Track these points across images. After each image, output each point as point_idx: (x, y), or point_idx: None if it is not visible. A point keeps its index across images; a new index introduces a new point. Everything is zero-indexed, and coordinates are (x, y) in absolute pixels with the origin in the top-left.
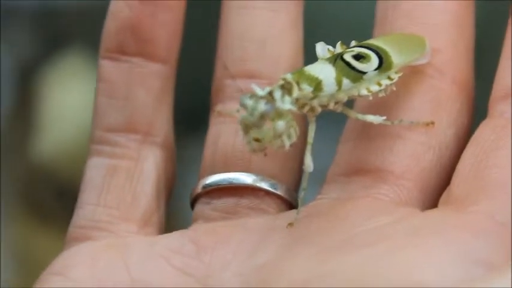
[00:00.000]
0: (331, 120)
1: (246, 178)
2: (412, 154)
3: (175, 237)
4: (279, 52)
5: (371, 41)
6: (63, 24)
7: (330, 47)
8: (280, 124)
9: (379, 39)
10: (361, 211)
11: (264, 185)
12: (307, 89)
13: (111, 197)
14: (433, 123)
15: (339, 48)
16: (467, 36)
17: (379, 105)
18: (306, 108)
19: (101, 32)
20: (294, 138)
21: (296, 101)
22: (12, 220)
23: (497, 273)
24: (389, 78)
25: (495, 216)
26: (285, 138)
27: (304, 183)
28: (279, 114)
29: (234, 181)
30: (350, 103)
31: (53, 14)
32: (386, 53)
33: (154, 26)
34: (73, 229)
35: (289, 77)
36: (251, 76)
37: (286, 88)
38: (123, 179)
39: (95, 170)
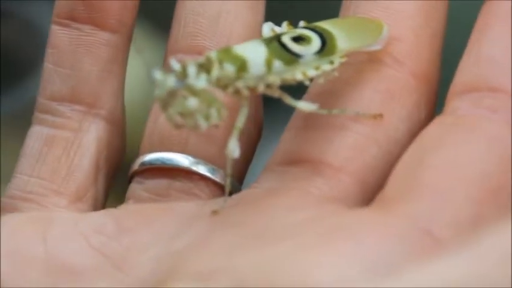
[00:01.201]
0: None
1: (182, 160)
2: (354, 147)
3: (99, 216)
4: (231, 29)
5: (320, 23)
6: None
7: (277, 28)
8: (192, 102)
9: (330, 22)
10: (283, 204)
11: (201, 169)
12: (229, 68)
13: (45, 169)
14: (381, 115)
15: (284, 29)
16: (434, 26)
17: (328, 92)
18: (230, 90)
19: (166, 9)
20: (216, 120)
21: (218, 80)
22: None
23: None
24: (331, 63)
25: (418, 221)
26: (199, 117)
27: (228, 169)
28: (194, 92)
29: (167, 162)
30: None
31: None
32: (331, 36)
33: None
34: (4, 199)
35: (213, 54)
36: (201, 52)
37: (205, 66)
38: (61, 150)
39: (34, 139)
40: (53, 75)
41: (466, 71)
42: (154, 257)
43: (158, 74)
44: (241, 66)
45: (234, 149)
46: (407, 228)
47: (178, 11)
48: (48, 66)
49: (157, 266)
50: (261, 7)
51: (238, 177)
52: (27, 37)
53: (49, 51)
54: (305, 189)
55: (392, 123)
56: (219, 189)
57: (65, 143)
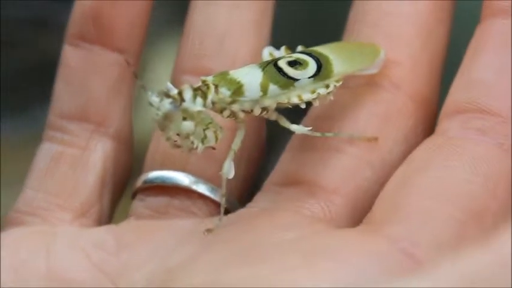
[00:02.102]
0: None
1: (183, 178)
2: (348, 170)
3: (101, 232)
4: (236, 50)
5: (317, 48)
6: (166, 10)
7: (276, 52)
8: (187, 124)
9: (327, 46)
10: (275, 224)
11: (200, 188)
12: (225, 92)
13: (52, 184)
14: (376, 138)
15: (282, 53)
16: (434, 49)
17: (326, 115)
18: (226, 113)
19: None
20: (212, 142)
21: (213, 104)
22: None
23: None
24: (326, 86)
25: (400, 242)
26: (195, 139)
27: (223, 189)
28: (190, 115)
29: (168, 180)
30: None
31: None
32: (328, 60)
33: (114, 14)
34: (12, 213)
35: (209, 79)
36: (206, 73)
37: (201, 90)
38: (68, 167)
39: (43, 156)
40: (63, 93)
41: (457, 92)
42: (148, 273)
43: (154, 98)
44: (237, 90)
45: (228, 170)
46: (388, 249)
47: (186, 31)
48: (58, 84)
49: (151, 282)
50: (266, 29)
51: (239, 196)
52: None
53: (60, 70)
54: (298, 210)
55: (388, 146)
56: (217, 207)
57: (72, 160)
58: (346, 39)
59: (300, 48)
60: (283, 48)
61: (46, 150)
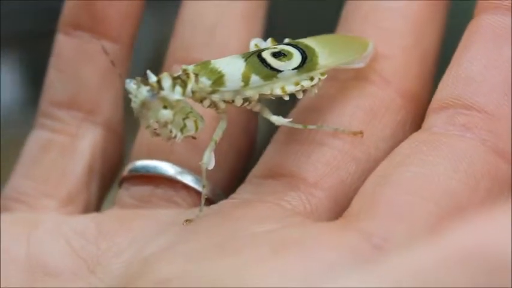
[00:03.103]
0: None
1: (168, 168)
2: (331, 163)
3: (83, 220)
4: (226, 42)
5: (303, 40)
6: None
7: (263, 43)
8: (164, 113)
9: (314, 38)
10: (252, 216)
11: (185, 179)
12: (205, 82)
13: (40, 171)
14: (361, 133)
15: (268, 45)
16: (426, 45)
17: (312, 108)
18: (207, 103)
19: None
20: (192, 131)
21: (193, 93)
22: None
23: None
24: (311, 79)
25: (372, 237)
26: (173, 128)
27: (203, 180)
28: (169, 104)
29: (152, 170)
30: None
31: None
32: (314, 53)
33: (108, 3)
34: (1, 200)
35: (190, 68)
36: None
37: (181, 78)
38: (56, 154)
39: (33, 143)
40: (55, 81)
41: (445, 88)
42: (125, 262)
43: (131, 86)
44: (218, 80)
45: (208, 161)
46: (360, 243)
47: (178, 21)
48: (51, 72)
49: (127, 271)
50: (257, 21)
51: (226, 188)
52: None
53: (53, 58)
54: (277, 203)
55: (374, 141)
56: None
57: (61, 148)
58: (338, 32)
59: (287, 40)
60: (269, 39)
61: (36, 137)
